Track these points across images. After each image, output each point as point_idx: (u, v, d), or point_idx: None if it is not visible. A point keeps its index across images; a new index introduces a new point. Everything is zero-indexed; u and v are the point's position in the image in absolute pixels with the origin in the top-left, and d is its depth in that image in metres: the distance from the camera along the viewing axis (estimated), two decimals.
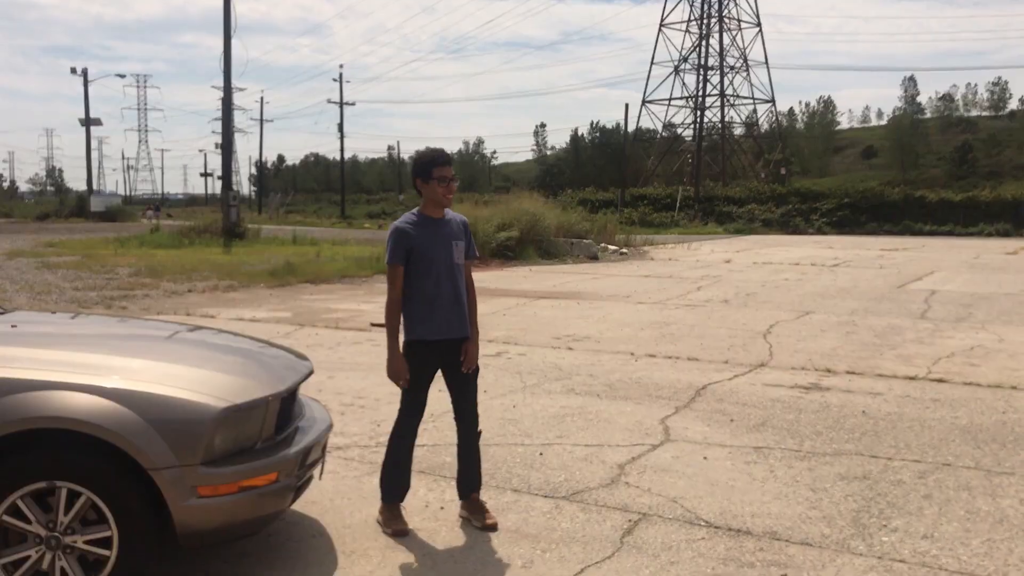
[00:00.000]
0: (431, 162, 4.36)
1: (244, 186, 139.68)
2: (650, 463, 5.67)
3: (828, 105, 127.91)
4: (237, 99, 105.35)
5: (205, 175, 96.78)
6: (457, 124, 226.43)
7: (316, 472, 4.20)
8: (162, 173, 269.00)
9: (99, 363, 3.61)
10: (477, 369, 4.60)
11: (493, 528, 4.50)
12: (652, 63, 79.44)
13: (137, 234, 29.91)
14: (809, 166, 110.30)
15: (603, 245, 25.90)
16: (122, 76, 70.82)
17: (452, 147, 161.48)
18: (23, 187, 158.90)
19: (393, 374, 4.40)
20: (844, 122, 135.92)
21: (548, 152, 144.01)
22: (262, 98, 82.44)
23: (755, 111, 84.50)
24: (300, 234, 30.95)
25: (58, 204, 64.51)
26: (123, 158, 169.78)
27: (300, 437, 3.95)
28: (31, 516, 3.34)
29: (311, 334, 10.77)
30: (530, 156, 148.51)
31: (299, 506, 4.75)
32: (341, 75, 68.36)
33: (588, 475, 5.41)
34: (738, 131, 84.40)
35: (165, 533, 3.46)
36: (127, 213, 60.30)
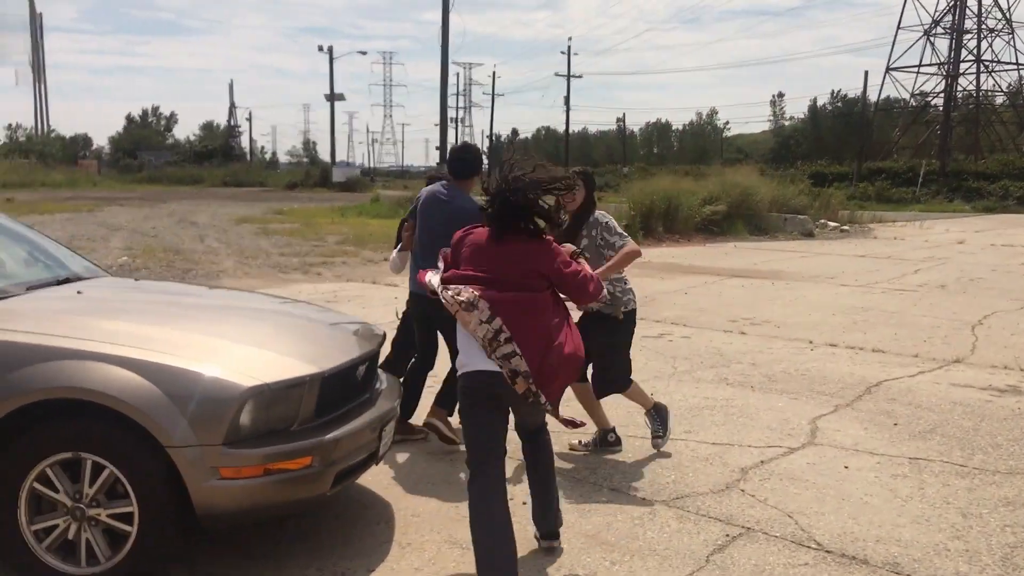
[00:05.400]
0: None
1: None
2: (779, 469, 5.04)
3: None
4: (473, 74, 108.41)
5: (440, 148, 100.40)
6: (690, 94, 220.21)
7: (378, 453, 3.98)
8: (402, 146, 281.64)
9: (138, 333, 3.54)
10: None
11: None
12: (899, 27, 73.64)
13: (360, 204, 31.27)
14: None
15: (822, 221, 24.27)
16: (364, 53, 73.93)
17: (683, 118, 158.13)
18: (282, 158, 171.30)
19: None
20: None
21: (785, 123, 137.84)
22: (494, 73, 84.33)
23: (1020, 78, 76.61)
24: None
25: (303, 175, 68.82)
26: (367, 132, 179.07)
27: (349, 421, 3.73)
28: (59, 485, 3.33)
29: None
30: (765, 127, 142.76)
31: (380, 488, 4.58)
32: (569, 48, 68.53)
33: (702, 478, 4.89)
34: (998, 100, 76.91)
35: (189, 512, 3.35)
36: (363, 184, 63.54)
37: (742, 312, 10.58)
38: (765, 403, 6.45)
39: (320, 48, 66.61)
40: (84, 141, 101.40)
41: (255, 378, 3.39)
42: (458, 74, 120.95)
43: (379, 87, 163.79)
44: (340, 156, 68.86)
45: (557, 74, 69.92)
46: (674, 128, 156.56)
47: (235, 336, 3.80)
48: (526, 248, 3.50)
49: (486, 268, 3.46)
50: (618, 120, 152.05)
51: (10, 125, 78.17)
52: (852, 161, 57.32)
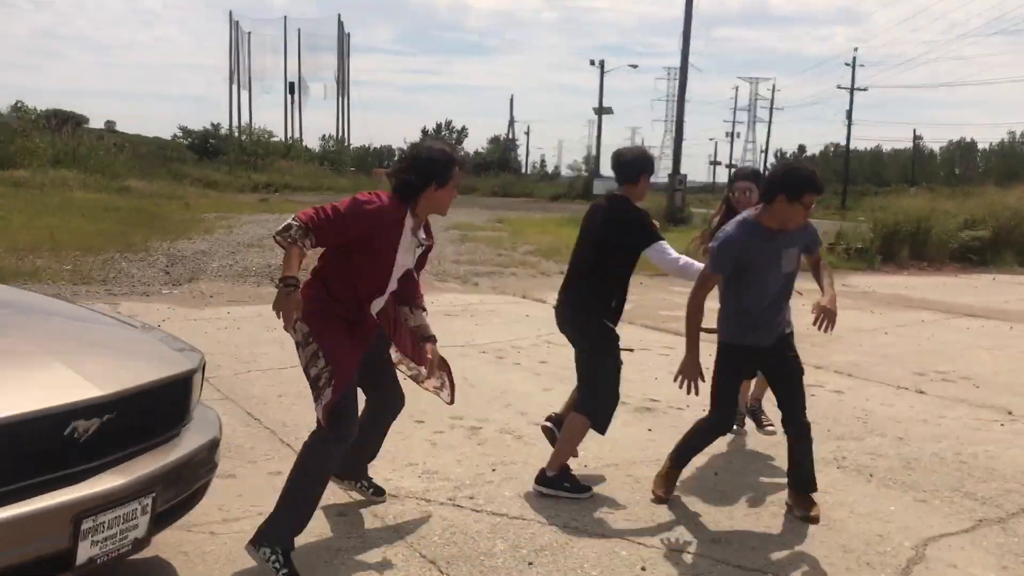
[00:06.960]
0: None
1: None
2: None
3: None
4: (760, 89, 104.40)
5: (714, 163, 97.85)
6: (1002, 110, 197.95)
7: (75, 559, 2.66)
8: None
9: None
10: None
11: None
12: None
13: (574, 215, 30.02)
14: None
15: None
16: (634, 67, 72.11)
17: (993, 135, 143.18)
18: (564, 172, 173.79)
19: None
20: None
21: None
22: (773, 87, 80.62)
23: None
24: None
25: (568, 187, 68.67)
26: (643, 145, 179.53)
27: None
28: None
29: None
30: None
31: None
32: (854, 59, 63.55)
33: None
34: None
35: None
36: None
37: (940, 363, 8.22)
38: (870, 504, 4.47)
39: (592, 62, 66.31)
40: (388, 152, 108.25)
41: None
42: (736, 88, 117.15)
43: (661, 103, 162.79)
44: (600, 169, 68.37)
45: (839, 87, 64.96)
46: (980, 147, 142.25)
47: None
48: None
49: None
50: (915, 137, 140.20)
51: (323, 136, 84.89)
52: None
